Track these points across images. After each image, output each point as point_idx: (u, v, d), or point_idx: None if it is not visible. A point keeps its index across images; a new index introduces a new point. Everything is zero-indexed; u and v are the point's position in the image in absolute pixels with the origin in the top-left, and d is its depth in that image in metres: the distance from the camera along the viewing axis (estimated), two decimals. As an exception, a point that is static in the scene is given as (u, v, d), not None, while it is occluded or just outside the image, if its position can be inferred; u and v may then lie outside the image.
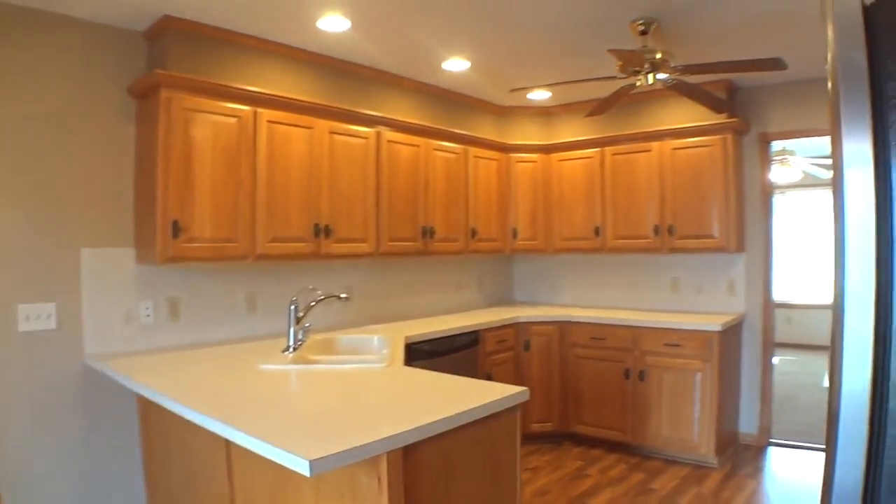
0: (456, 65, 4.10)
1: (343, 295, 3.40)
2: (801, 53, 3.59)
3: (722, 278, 4.86)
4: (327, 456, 1.63)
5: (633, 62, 3.23)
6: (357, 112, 3.91)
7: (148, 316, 3.24)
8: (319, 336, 3.65)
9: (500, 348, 4.66)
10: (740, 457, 4.47)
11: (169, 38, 3.11)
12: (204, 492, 2.74)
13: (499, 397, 2.25)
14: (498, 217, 5.22)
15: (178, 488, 2.96)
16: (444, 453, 2.03)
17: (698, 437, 4.24)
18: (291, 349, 3.19)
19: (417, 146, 4.39)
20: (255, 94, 3.30)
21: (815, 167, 6.57)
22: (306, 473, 1.60)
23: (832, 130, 1.13)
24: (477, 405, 2.14)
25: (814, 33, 3.45)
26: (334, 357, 3.22)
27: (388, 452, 1.81)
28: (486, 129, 5.25)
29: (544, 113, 5.50)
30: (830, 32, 1.13)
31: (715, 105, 3.70)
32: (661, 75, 3.36)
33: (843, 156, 1.08)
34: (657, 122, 4.89)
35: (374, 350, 3.65)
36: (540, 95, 5.04)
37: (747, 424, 4.79)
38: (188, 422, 2.19)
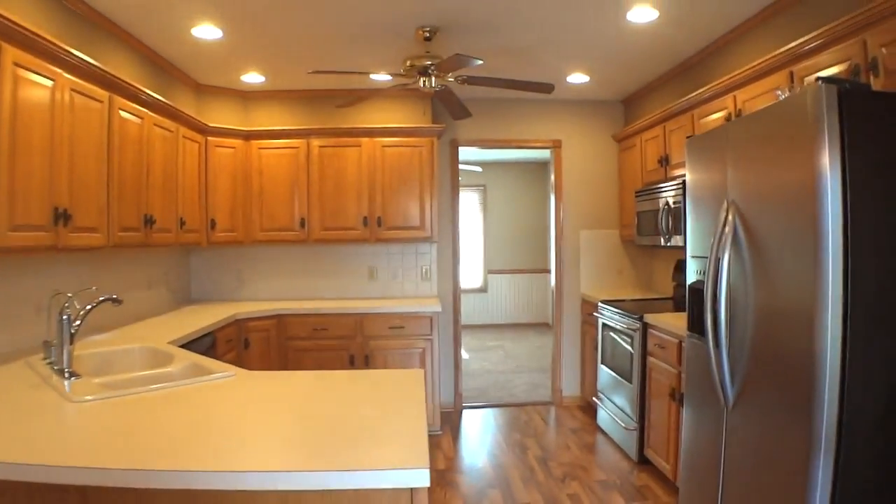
0: (207, 32, 3.63)
1: (116, 297, 2.75)
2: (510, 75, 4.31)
3: (416, 266, 5.41)
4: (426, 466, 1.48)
5: (423, 64, 3.43)
6: (102, 71, 3.13)
7: None
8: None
9: (227, 348, 4.29)
10: (451, 422, 5.08)
11: None
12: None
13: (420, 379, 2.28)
14: (199, 205, 4.73)
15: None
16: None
17: (426, 411, 4.67)
18: (68, 373, 2.46)
19: (142, 119, 3.71)
20: None
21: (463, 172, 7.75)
22: (426, 483, 1.44)
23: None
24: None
25: (522, 63, 4.22)
26: (138, 375, 2.58)
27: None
28: (186, 107, 4.70)
29: (242, 96, 5.19)
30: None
31: (460, 114, 4.14)
32: (435, 81, 3.65)
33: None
34: (360, 119, 5.15)
35: (141, 364, 3.02)
36: (254, 78, 4.75)
37: (445, 394, 5.45)
38: None
